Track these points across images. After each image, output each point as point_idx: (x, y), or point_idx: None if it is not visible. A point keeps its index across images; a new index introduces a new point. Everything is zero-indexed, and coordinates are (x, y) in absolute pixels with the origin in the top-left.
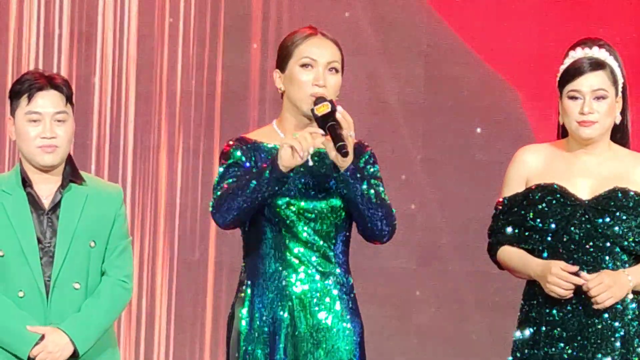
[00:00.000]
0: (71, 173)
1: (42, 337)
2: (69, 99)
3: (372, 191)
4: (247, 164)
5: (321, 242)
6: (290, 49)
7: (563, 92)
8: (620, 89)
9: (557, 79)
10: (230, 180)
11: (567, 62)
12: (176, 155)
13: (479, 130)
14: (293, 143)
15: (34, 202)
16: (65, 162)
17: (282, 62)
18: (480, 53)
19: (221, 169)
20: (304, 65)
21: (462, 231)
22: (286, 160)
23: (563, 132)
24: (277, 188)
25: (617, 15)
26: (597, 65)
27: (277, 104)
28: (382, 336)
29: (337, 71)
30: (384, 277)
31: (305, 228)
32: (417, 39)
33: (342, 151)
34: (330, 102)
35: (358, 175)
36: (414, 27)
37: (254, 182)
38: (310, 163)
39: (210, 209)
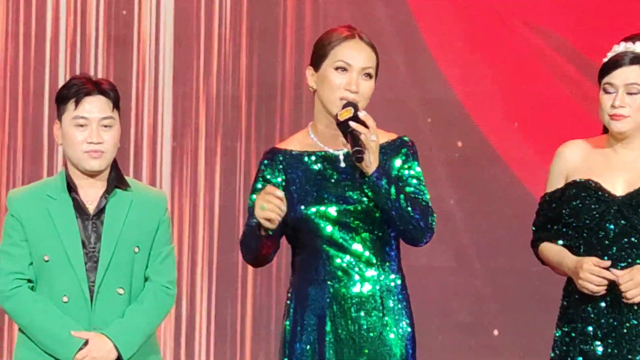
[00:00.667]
0: (116, 178)
1: (86, 342)
2: (115, 105)
3: (402, 195)
4: (268, 183)
5: (359, 246)
6: (327, 49)
7: (600, 85)
8: None
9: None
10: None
11: (609, 55)
12: (214, 157)
13: (516, 124)
14: (268, 216)
15: (78, 207)
16: (110, 167)
17: (316, 61)
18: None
19: (251, 196)
20: (338, 69)
21: (501, 228)
22: (269, 226)
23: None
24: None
25: None
26: (636, 59)
27: (313, 105)
28: (423, 334)
29: (370, 77)
30: (424, 275)
31: (341, 233)
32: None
33: (356, 156)
34: (354, 106)
35: (385, 181)
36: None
37: (253, 241)
38: (343, 164)
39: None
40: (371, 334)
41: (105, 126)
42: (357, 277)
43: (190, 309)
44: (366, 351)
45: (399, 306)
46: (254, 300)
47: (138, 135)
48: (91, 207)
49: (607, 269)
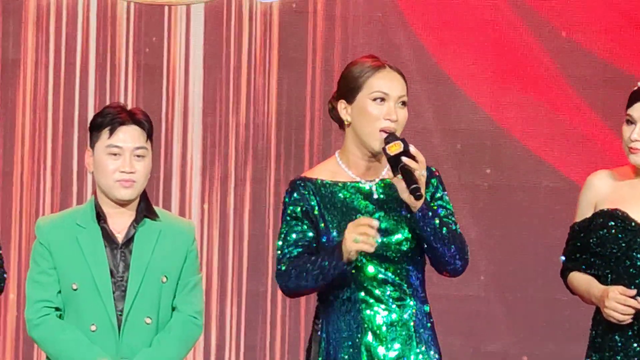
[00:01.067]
0: (146, 208)
1: None
2: (149, 135)
3: (444, 228)
4: (302, 214)
5: (392, 275)
6: (360, 81)
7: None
8: None
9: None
10: (291, 248)
11: (639, 85)
12: (244, 186)
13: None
14: (361, 248)
15: (107, 236)
16: (139, 197)
17: (349, 94)
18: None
19: (283, 226)
20: (376, 99)
21: (530, 257)
22: (353, 257)
23: None
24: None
25: None
26: None
27: (341, 133)
28: None
29: (405, 105)
30: (453, 305)
31: (375, 263)
32: (482, 65)
33: (415, 194)
34: (403, 140)
35: (430, 214)
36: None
37: (319, 272)
38: (375, 195)
39: (277, 277)
40: None
41: (138, 156)
42: (392, 305)
43: (220, 337)
44: None
45: (429, 334)
46: (282, 328)
47: (167, 164)
48: (120, 237)
49: (633, 297)
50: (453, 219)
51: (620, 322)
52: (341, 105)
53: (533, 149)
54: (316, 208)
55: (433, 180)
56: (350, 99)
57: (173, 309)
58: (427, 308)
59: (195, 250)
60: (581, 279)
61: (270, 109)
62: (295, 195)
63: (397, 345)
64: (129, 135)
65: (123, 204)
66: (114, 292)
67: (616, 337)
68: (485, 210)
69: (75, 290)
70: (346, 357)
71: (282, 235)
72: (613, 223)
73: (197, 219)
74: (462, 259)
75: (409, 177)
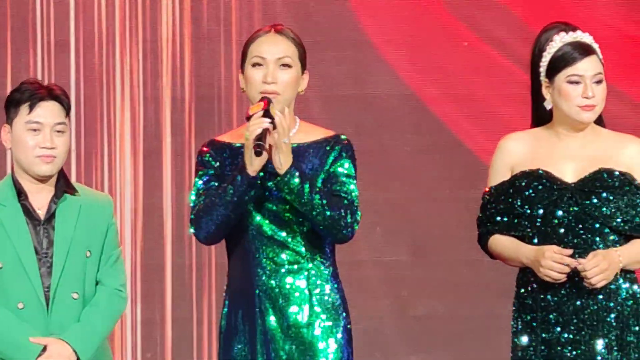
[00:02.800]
0: (65, 184)
1: (45, 348)
2: (68, 111)
3: (317, 194)
4: (215, 170)
5: (288, 238)
6: (245, 49)
7: (558, 77)
8: None
9: (546, 64)
10: (203, 196)
11: (556, 46)
12: (164, 159)
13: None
14: (254, 129)
15: (28, 213)
16: (57, 174)
17: (242, 64)
18: (467, 41)
19: (196, 181)
20: (254, 65)
21: (454, 220)
22: (255, 163)
23: (540, 119)
24: (252, 192)
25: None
26: (591, 49)
27: None
28: (379, 328)
29: (289, 67)
30: (378, 269)
31: (274, 226)
32: (400, 30)
33: (255, 150)
34: (268, 100)
35: (296, 180)
36: (398, 18)
37: (230, 191)
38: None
39: (190, 226)
40: (298, 324)
41: (58, 132)
42: (283, 268)
43: (146, 311)
44: (295, 341)
45: (329, 297)
46: (209, 300)
47: (90, 140)
48: (41, 213)
49: (571, 256)
50: (349, 187)
51: (556, 280)
52: (240, 75)
53: (452, 112)
54: (222, 169)
55: (338, 147)
56: (242, 68)
57: (96, 282)
58: (330, 272)
59: (114, 223)
60: (506, 242)
61: (187, 82)
62: (208, 158)
63: (289, 308)
64: (48, 111)
65: (42, 180)
66: (39, 269)
67: (548, 296)
68: (407, 175)
69: (0, 269)
70: (243, 325)
71: (194, 189)
72: (537, 183)
73: (121, 194)
74: (342, 226)
75: (258, 135)
